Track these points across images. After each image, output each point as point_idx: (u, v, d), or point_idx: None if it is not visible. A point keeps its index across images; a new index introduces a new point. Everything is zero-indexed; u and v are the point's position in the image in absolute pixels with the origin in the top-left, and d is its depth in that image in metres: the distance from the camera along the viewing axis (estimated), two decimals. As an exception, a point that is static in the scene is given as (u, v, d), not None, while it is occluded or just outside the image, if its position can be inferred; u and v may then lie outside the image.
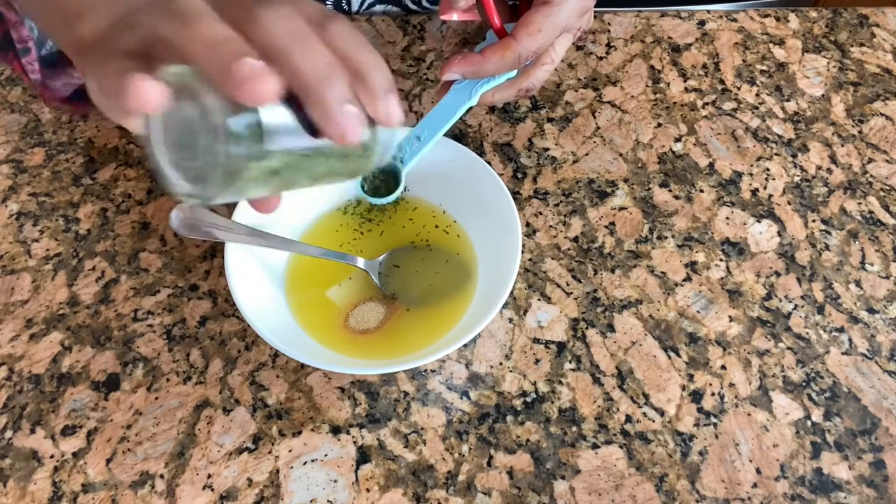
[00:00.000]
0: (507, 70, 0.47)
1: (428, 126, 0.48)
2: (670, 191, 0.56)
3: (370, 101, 0.30)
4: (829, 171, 0.57)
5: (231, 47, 0.26)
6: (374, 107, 0.30)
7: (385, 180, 0.50)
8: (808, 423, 0.46)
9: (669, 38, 0.66)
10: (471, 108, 0.50)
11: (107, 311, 0.50)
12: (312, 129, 0.29)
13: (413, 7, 0.70)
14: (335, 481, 0.44)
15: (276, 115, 0.28)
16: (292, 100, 0.29)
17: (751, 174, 0.57)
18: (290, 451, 0.45)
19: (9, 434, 0.45)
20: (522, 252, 0.50)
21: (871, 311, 0.50)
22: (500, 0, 0.51)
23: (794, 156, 0.58)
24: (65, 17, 0.37)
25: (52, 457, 0.45)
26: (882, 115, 0.61)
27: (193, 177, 0.30)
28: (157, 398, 0.47)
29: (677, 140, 0.59)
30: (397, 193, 0.49)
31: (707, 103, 0.61)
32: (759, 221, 0.54)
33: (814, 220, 0.55)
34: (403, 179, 0.49)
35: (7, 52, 0.48)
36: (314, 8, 0.30)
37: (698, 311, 0.50)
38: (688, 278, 0.52)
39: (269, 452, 0.45)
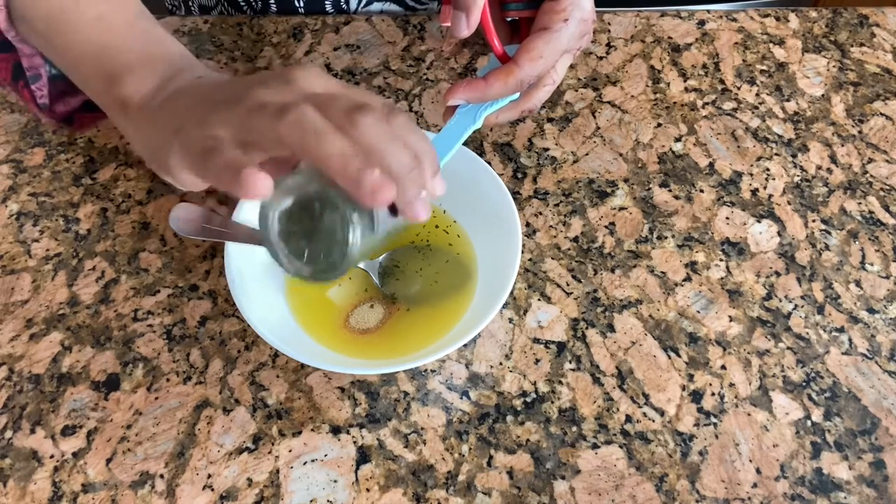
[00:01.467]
0: (510, 94, 0.48)
1: (436, 150, 0.48)
2: (670, 191, 0.56)
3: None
4: (829, 171, 0.57)
5: (358, 162, 0.32)
6: (425, 185, 0.36)
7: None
8: (808, 423, 0.46)
9: (669, 38, 0.66)
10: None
11: (107, 311, 0.50)
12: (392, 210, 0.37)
13: (411, 4, 0.70)
14: (335, 481, 0.44)
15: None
16: None
17: (751, 174, 0.57)
18: (290, 451, 0.45)
19: (9, 434, 0.45)
20: (522, 252, 0.50)
21: (871, 311, 0.50)
22: (500, 21, 0.51)
23: (794, 156, 0.58)
24: (104, 74, 0.42)
25: (52, 457, 0.45)
26: (882, 115, 0.61)
27: (309, 260, 0.37)
28: (157, 398, 0.47)
29: (677, 140, 0.59)
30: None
31: (707, 103, 0.61)
32: (759, 221, 0.54)
33: (814, 220, 0.55)
34: None
35: (17, 80, 0.48)
36: (382, 102, 0.36)
37: (698, 311, 0.50)
38: (688, 278, 0.52)
39: (269, 452, 0.45)
